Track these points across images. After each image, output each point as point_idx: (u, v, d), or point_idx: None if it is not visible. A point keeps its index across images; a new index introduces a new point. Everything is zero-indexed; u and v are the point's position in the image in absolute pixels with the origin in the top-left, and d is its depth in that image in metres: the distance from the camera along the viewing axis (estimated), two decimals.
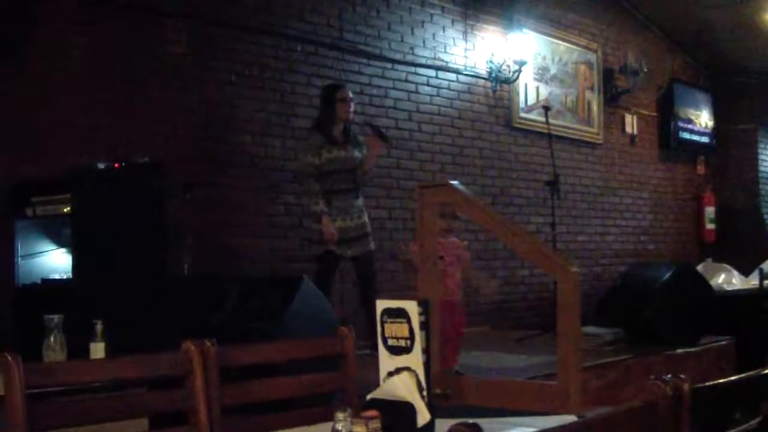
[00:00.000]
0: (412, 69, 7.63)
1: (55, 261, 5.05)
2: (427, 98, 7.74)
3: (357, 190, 5.69)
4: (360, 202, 5.70)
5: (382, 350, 2.44)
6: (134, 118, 5.74)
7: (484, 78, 8.29)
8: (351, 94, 5.83)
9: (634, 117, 10.24)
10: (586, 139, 9.48)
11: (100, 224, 4.71)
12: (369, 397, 2.41)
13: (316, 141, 5.61)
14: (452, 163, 7.90)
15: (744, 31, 10.18)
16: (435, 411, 2.39)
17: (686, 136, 10.90)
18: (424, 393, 2.36)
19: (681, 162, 11.10)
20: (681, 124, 10.79)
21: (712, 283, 7.86)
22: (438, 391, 2.60)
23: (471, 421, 1.63)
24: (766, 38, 10.18)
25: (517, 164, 8.61)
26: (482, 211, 3.78)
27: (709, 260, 9.33)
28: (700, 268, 8.41)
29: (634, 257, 9.84)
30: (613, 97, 9.84)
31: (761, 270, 8.26)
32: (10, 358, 2.12)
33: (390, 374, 2.42)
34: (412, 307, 2.40)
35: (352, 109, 5.75)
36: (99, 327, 3.77)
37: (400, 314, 2.40)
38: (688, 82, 11.12)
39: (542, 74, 8.95)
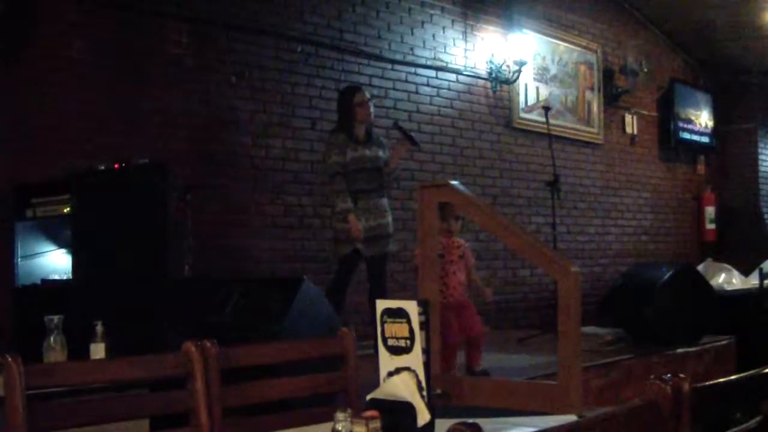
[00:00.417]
0: (412, 69, 7.63)
1: (55, 262, 5.05)
2: (427, 99, 7.74)
3: (382, 189, 5.69)
4: (385, 201, 5.71)
5: (382, 350, 2.44)
6: (134, 118, 5.74)
7: (484, 78, 8.29)
8: (369, 96, 5.84)
9: (634, 117, 10.24)
10: (587, 140, 9.48)
11: (100, 225, 4.71)
12: (369, 397, 2.41)
13: (340, 140, 5.61)
14: (452, 164, 7.90)
15: (744, 30, 10.18)
16: (435, 411, 2.39)
17: (686, 136, 10.91)
18: (424, 393, 2.36)
19: (681, 162, 11.10)
20: (681, 124, 10.79)
21: (713, 282, 7.86)
22: (438, 391, 2.61)
23: (471, 420, 1.62)
24: (766, 38, 10.18)
25: (518, 164, 8.61)
26: (483, 211, 3.79)
27: (710, 260, 9.32)
28: (700, 267, 8.41)
29: (635, 257, 9.85)
30: (613, 97, 9.85)
31: (761, 270, 8.25)
32: (10, 358, 2.12)
33: (390, 374, 2.42)
34: (411, 307, 2.40)
35: (371, 110, 5.76)
36: (99, 328, 3.77)
37: (400, 314, 2.40)
38: (688, 82, 11.12)
39: (542, 74, 8.96)
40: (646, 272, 6.83)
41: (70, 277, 4.78)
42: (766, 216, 11.59)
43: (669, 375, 1.84)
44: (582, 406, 2.94)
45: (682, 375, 1.85)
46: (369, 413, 2.19)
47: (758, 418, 2.02)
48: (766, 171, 11.77)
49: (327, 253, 6.71)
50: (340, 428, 2.09)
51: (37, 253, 5.05)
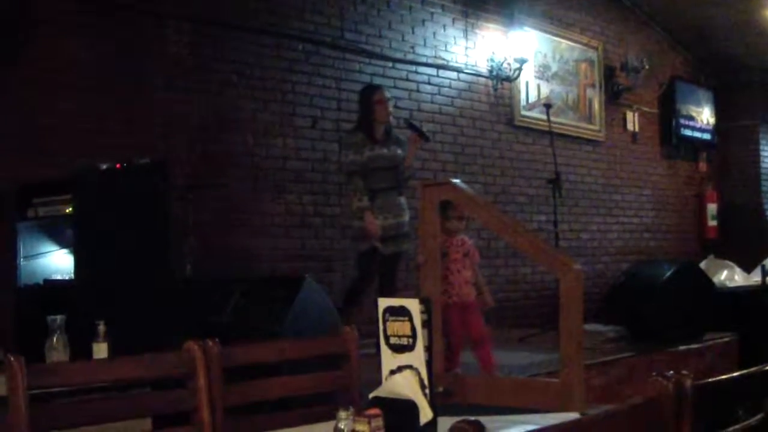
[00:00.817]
0: (413, 67, 7.63)
1: (57, 262, 5.04)
2: (428, 97, 7.74)
3: (399, 188, 5.70)
4: (402, 200, 5.71)
5: (384, 348, 2.44)
6: (135, 118, 5.74)
7: (485, 76, 8.29)
8: (388, 95, 5.87)
9: (636, 114, 10.23)
10: (588, 137, 9.47)
11: (102, 225, 4.71)
12: (371, 395, 2.41)
13: (358, 139, 5.64)
14: (454, 162, 7.90)
15: (745, 27, 10.17)
16: (437, 409, 2.39)
17: (688, 133, 10.89)
18: (427, 391, 2.36)
19: (683, 159, 11.09)
20: (682, 121, 10.78)
21: (715, 279, 7.86)
22: (440, 388, 2.61)
23: (473, 418, 1.63)
24: (767, 35, 10.17)
25: (519, 162, 8.60)
26: (485, 209, 3.79)
27: (712, 257, 9.32)
28: (702, 264, 8.41)
29: (637, 254, 9.84)
30: (614, 95, 9.84)
31: (763, 266, 8.26)
32: (12, 358, 2.12)
33: (392, 372, 2.42)
34: (413, 305, 2.40)
35: (390, 109, 5.78)
36: (101, 327, 3.77)
37: (402, 312, 2.40)
38: (689, 79, 11.10)
39: (543, 72, 8.95)
40: (648, 270, 6.83)
41: (72, 277, 4.78)
42: (767, 212, 11.58)
43: (671, 372, 1.84)
44: (584, 404, 2.94)
45: (684, 372, 1.85)
46: (371, 411, 2.19)
47: (761, 416, 2.02)
48: None
49: (328, 252, 6.73)
50: (342, 426, 2.09)
51: (40, 253, 5.04)
